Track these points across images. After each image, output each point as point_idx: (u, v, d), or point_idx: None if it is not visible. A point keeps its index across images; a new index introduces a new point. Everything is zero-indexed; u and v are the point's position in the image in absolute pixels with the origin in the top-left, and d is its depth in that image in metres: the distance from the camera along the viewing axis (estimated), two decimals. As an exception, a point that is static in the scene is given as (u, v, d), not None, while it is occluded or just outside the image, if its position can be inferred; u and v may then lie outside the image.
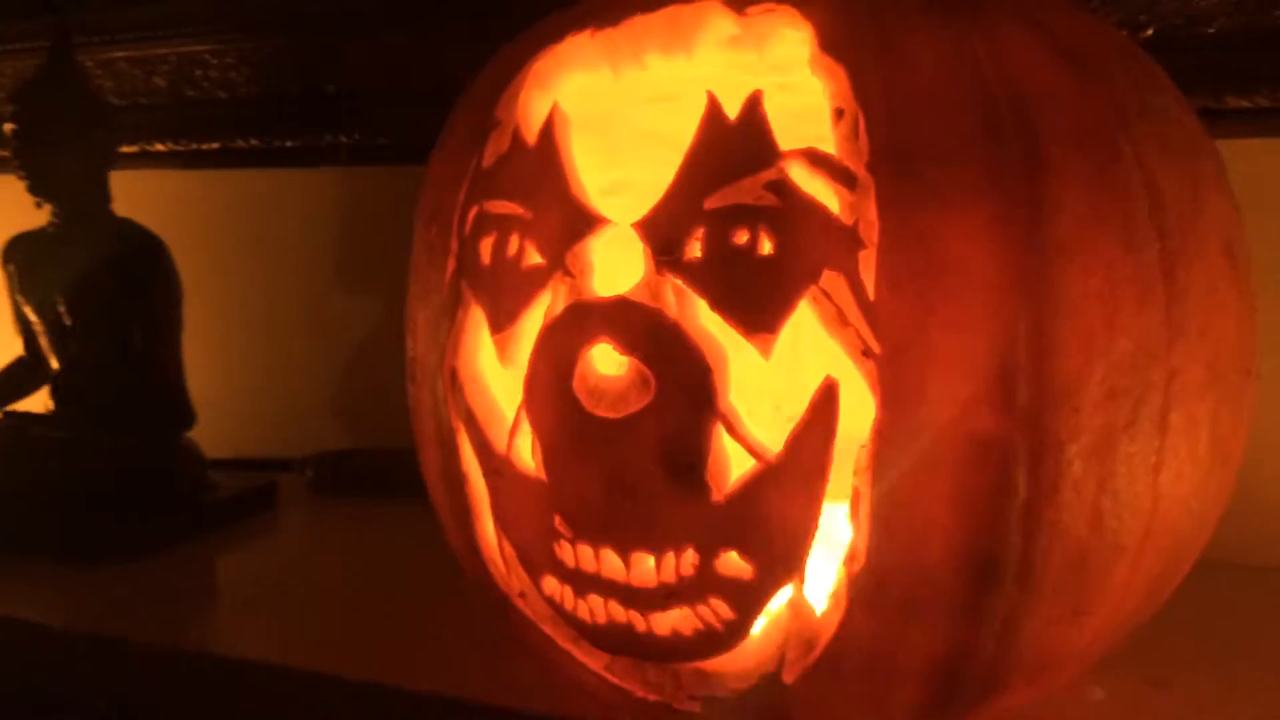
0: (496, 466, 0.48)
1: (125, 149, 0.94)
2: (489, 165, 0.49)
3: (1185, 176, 0.46)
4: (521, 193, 0.47)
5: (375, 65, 0.92)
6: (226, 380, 1.00)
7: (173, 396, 0.92)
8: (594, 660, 0.49)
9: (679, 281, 0.43)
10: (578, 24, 0.50)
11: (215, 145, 0.99)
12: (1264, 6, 0.66)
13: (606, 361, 0.44)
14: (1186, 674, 0.58)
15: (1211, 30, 0.67)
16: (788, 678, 0.45)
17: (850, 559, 0.43)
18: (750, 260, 0.42)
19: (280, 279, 1.03)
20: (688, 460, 0.43)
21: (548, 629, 0.50)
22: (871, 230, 0.41)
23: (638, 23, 0.48)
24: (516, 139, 0.48)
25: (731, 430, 0.43)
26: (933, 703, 0.47)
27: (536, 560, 0.48)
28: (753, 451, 0.43)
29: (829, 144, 0.43)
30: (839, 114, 0.43)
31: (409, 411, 0.57)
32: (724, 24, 0.47)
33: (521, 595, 0.50)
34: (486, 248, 0.48)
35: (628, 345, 0.43)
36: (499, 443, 0.48)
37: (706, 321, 0.43)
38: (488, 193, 0.48)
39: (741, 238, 0.42)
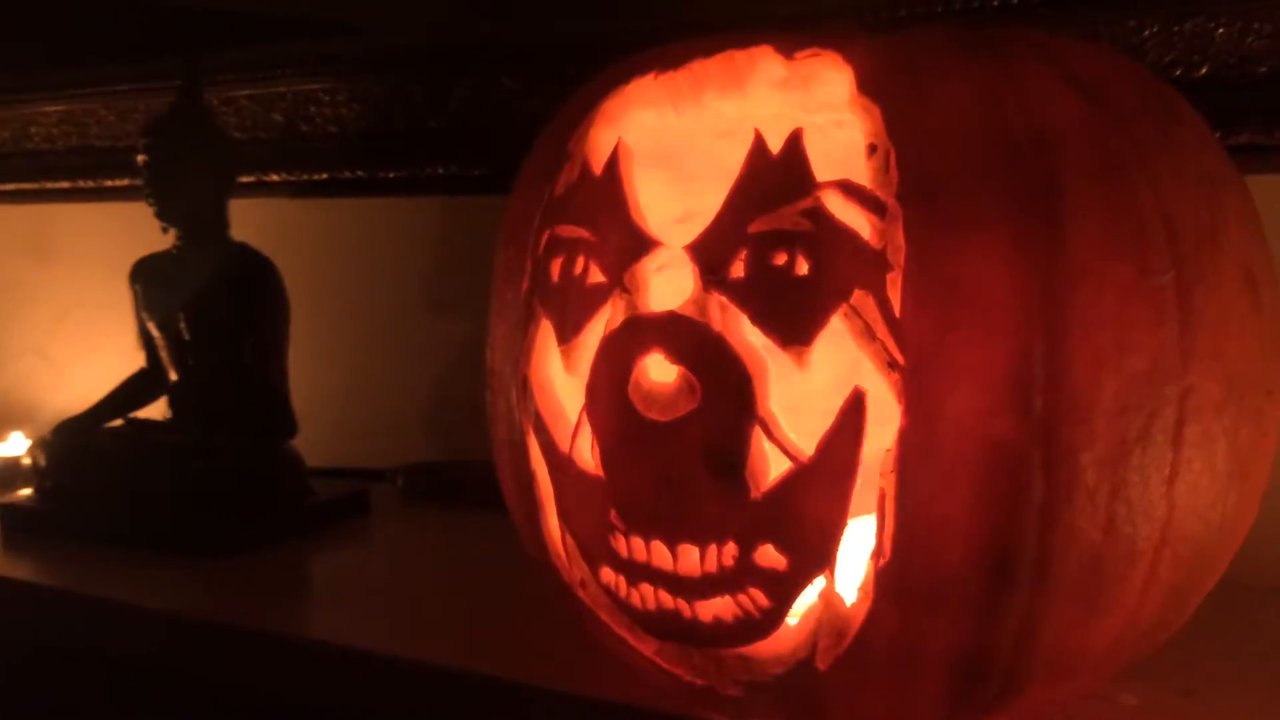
0: (560, 464, 0.53)
1: (243, 179, 1.02)
2: (560, 193, 0.54)
3: (1204, 205, 0.49)
4: (588, 218, 0.52)
5: (476, 103, 0.99)
6: (325, 394, 1.07)
7: (278, 407, 0.99)
8: (645, 646, 0.54)
9: (724, 298, 0.48)
10: (643, 68, 0.55)
11: (324, 176, 1.07)
12: (1311, 48, 0.69)
13: (659, 370, 0.49)
14: (1212, 686, 0.60)
15: (1263, 70, 0.70)
16: (821, 664, 0.49)
17: (877, 554, 0.47)
18: (788, 280, 0.47)
19: (377, 300, 1.10)
20: (729, 460, 0.48)
21: (605, 616, 0.55)
22: (899, 254, 0.46)
23: (698, 66, 0.53)
24: (585, 170, 0.53)
25: (769, 433, 0.47)
26: (956, 696, 0.50)
27: (594, 551, 0.53)
28: (788, 453, 0.47)
29: (861, 176, 0.47)
30: (871, 149, 0.47)
31: (488, 420, 0.62)
32: (774, 68, 0.51)
33: (582, 584, 0.55)
34: (556, 267, 0.53)
35: (677, 355, 0.48)
36: (563, 443, 0.53)
37: (748, 334, 0.48)
38: (558, 218, 0.54)
39: (780, 259, 0.47)
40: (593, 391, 0.51)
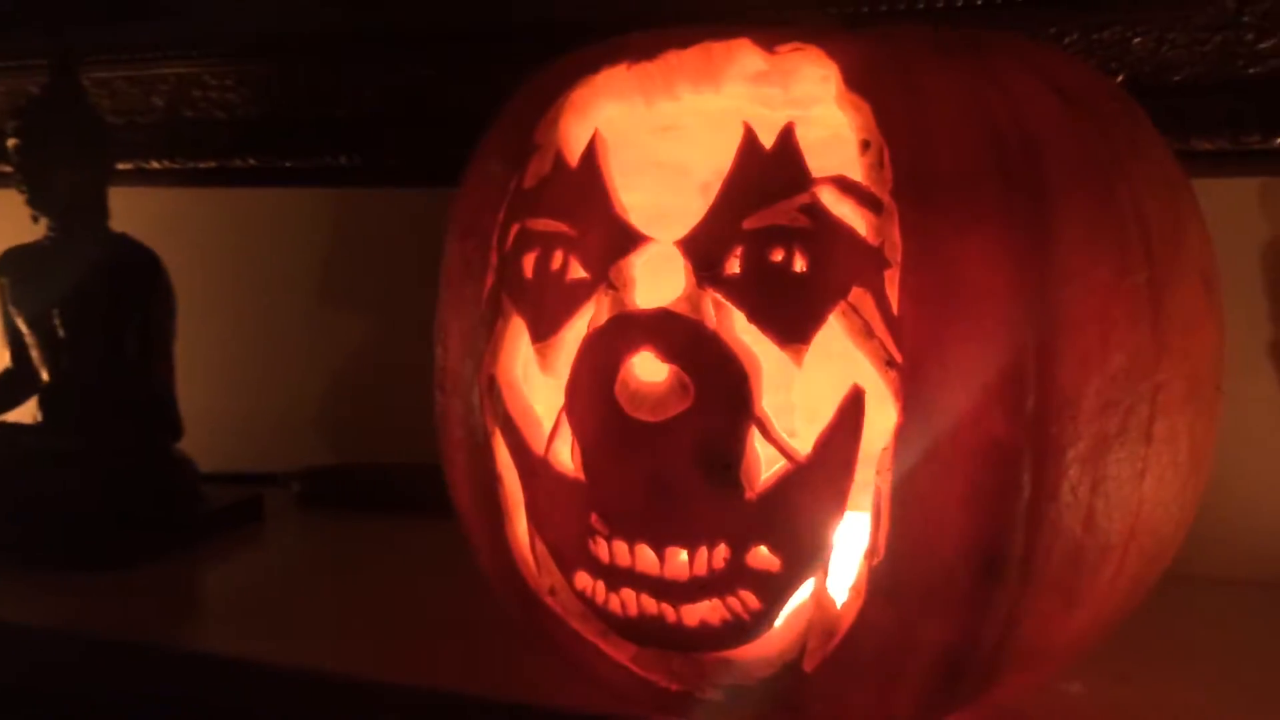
0: (534, 468, 0.51)
1: (121, 166, 0.96)
2: (531, 186, 0.52)
3: (1169, 209, 0.51)
4: (565, 212, 0.50)
5: (387, 92, 0.95)
6: (211, 395, 1.01)
7: (163, 409, 0.93)
8: (620, 653, 0.52)
9: (719, 295, 0.47)
10: (613, 57, 0.53)
11: (212, 164, 1.01)
12: (1225, 57, 0.72)
13: (647, 369, 0.48)
14: (1147, 671, 0.63)
15: (1178, 78, 0.73)
16: (808, 666, 0.49)
17: (870, 553, 0.47)
18: (786, 277, 0.46)
19: (269, 295, 1.05)
20: (724, 461, 0.47)
21: (575, 624, 0.53)
22: (896, 251, 0.45)
23: (672, 57, 0.52)
24: (559, 162, 0.52)
25: (765, 433, 0.46)
26: (937, 690, 0.51)
27: (570, 557, 0.51)
28: (784, 452, 0.46)
29: (853, 172, 0.47)
30: (865, 145, 0.47)
31: (435, 420, 0.59)
32: (753, 61, 0.51)
33: (551, 592, 0.53)
34: (529, 262, 0.51)
35: (669, 354, 0.47)
36: (537, 445, 0.51)
37: (743, 332, 0.47)
38: (530, 211, 0.52)
39: (778, 256, 0.46)
40: (574, 391, 0.49)
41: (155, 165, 1.03)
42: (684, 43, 0.52)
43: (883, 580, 0.47)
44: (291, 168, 0.99)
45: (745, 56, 0.51)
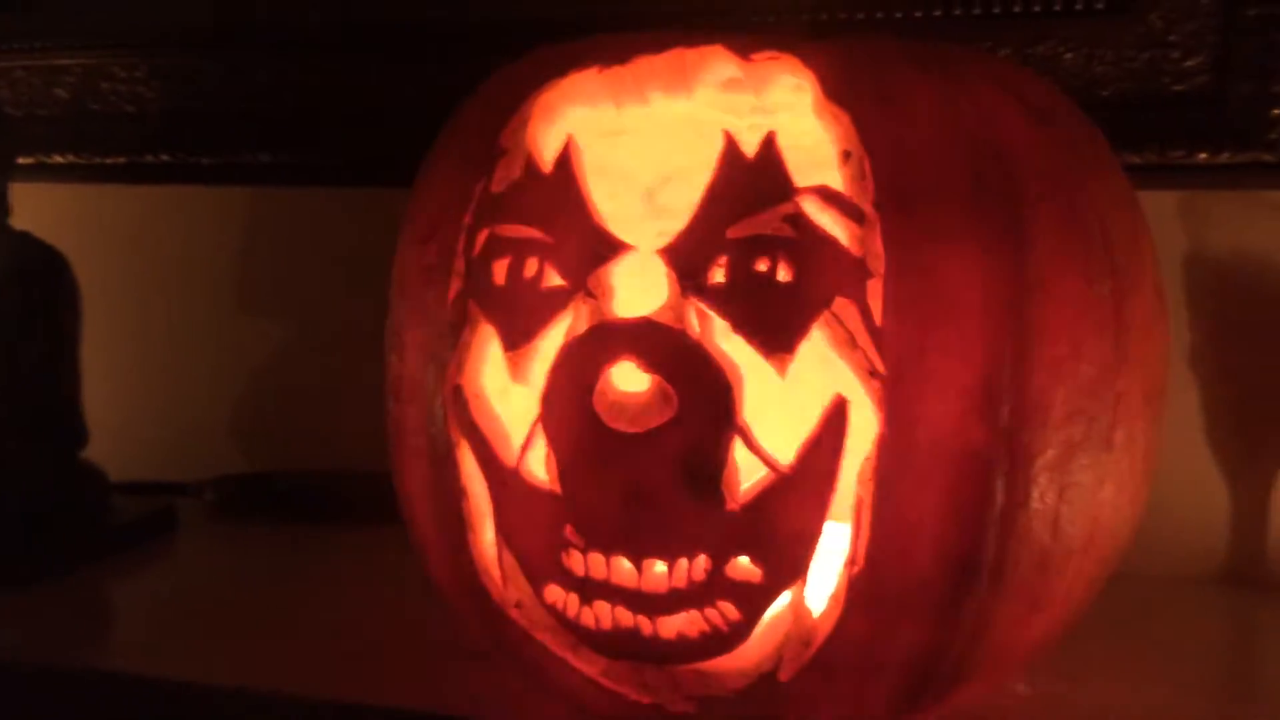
0: (504, 480, 0.50)
1: (22, 160, 0.91)
2: (500, 191, 0.51)
3: (1127, 222, 0.52)
4: (539, 218, 0.49)
5: (301, 85, 0.92)
6: (119, 401, 0.97)
7: (67, 415, 0.89)
8: (590, 666, 0.51)
9: (702, 305, 0.46)
10: (581, 60, 0.52)
11: (121, 159, 0.96)
12: (1152, 75, 0.74)
13: (627, 379, 0.47)
14: (1094, 672, 0.64)
15: (1107, 93, 0.75)
16: (783, 676, 0.49)
17: (850, 562, 0.47)
18: (770, 286, 0.46)
19: (180, 297, 1.01)
20: (707, 472, 0.46)
21: (542, 637, 0.52)
22: (878, 262, 0.46)
23: (644, 62, 0.51)
24: (530, 167, 0.50)
25: (748, 443, 0.46)
26: (907, 695, 0.51)
27: (541, 569, 0.50)
28: (767, 463, 0.46)
29: (831, 182, 0.47)
30: (846, 155, 0.47)
31: (387, 428, 0.58)
32: (727, 68, 0.50)
33: (518, 605, 0.52)
34: (500, 269, 0.50)
35: (651, 364, 0.46)
36: (508, 457, 0.50)
37: (726, 342, 0.46)
38: (500, 217, 0.50)
39: (762, 265, 0.46)
40: (550, 401, 0.48)
41: (59, 160, 0.98)
42: (657, 48, 0.51)
43: (861, 589, 0.47)
44: (208, 164, 0.95)
45: (719, 63, 0.51)
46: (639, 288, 0.48)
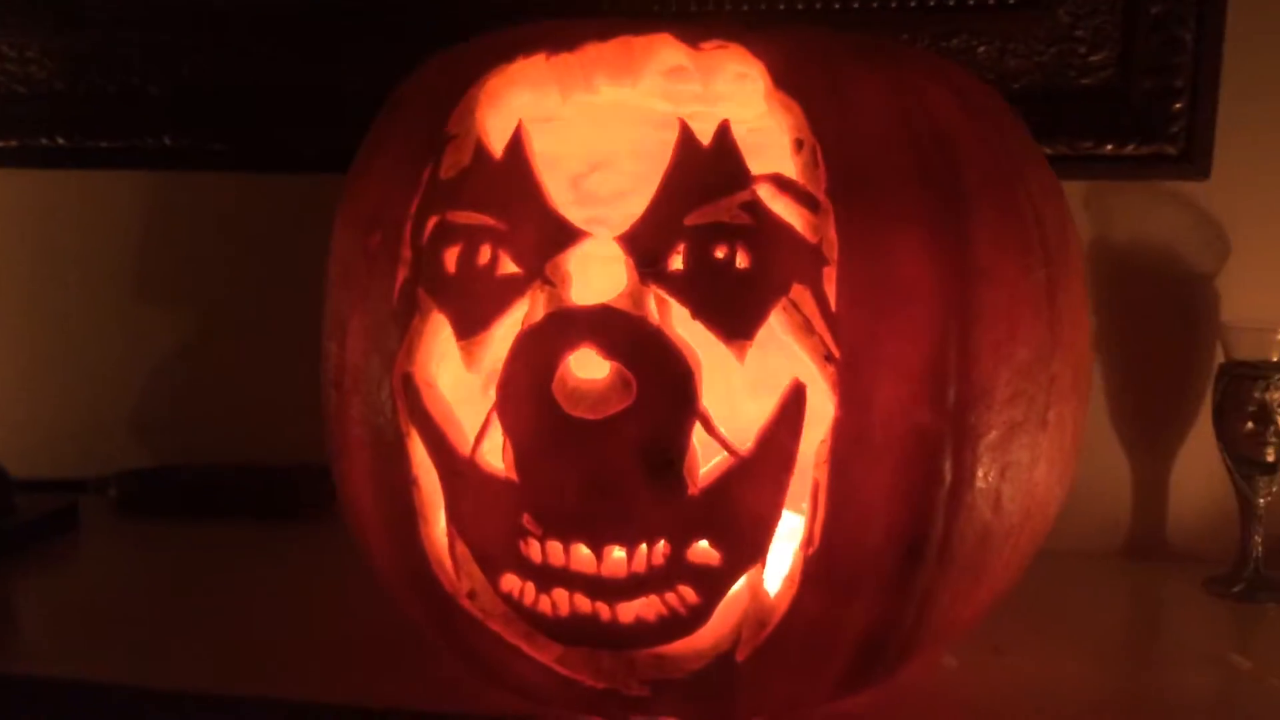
0: (457, 469, 0.50)
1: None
2: (450, 177, 0.50)
3: (1056, 212, 0.54)
4: (490, 205, 0.49)
5: (210, 69, 0.89)
6: (18, 395, 0.93)
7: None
8: (544, 654, 0.51)
9: (661, 291, 0.47)
10: (528, 47, 0.52)
11: (13, 143, 0.92)
12: (1059, 68, 0.77)
13: (586, 366, 0.47)
14: (1017, 644, 0.67)
15: (1018, 85, 0.78)
16: (740, 656, 0.49)
17: (806, 543, 0.48)
18: (729, 273, 0.46)
19: (77, 286, 0.97)
20: (667, 458, 0.47)
21: (495, 626, 0.52)
22: (832, 249, 0.47)
23: (591, 50, 0.51)
24: (480, 153, 0.50)
25: (709, 428, 0.47)
26: (857, 670, 0.52)
27: (496, 558, 0.50)
28: (727, 447, 0.47)
29: (782, 170, 0.48)
30: (799, 144, 0.48)
31: (326, 418, 0.56)
32: (674, 56, 0.51)
33: (470, 595, 0.52)
34: (451, 256, 0.49)
35: (611, 350, 0.46)
36: (462, 446, 0.50)
37: (684, 328, 0.47)
38: (450, 203, 0.50)
39: (720, 252, 0.46)
40: (506, 389, 0.48)
41: (-56, 142, 0.93)
42: (603, 35, 0.51)
43: (816, 569, 0.48)
44: (106, 148, 0.91)
45: (666, 51, 0.51)
46: (591, 275, 0.48)
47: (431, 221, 0.50)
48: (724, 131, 0.48)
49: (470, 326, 0.49)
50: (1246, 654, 0.69)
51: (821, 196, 0.47)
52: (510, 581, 0.50)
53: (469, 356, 0.49)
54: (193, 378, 0.98)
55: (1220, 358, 0.78)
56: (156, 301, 0.96)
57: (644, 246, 0.47)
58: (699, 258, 0.46)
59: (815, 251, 0.47)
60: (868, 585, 0.49)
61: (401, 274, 0.51)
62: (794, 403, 0.47)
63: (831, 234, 0.47)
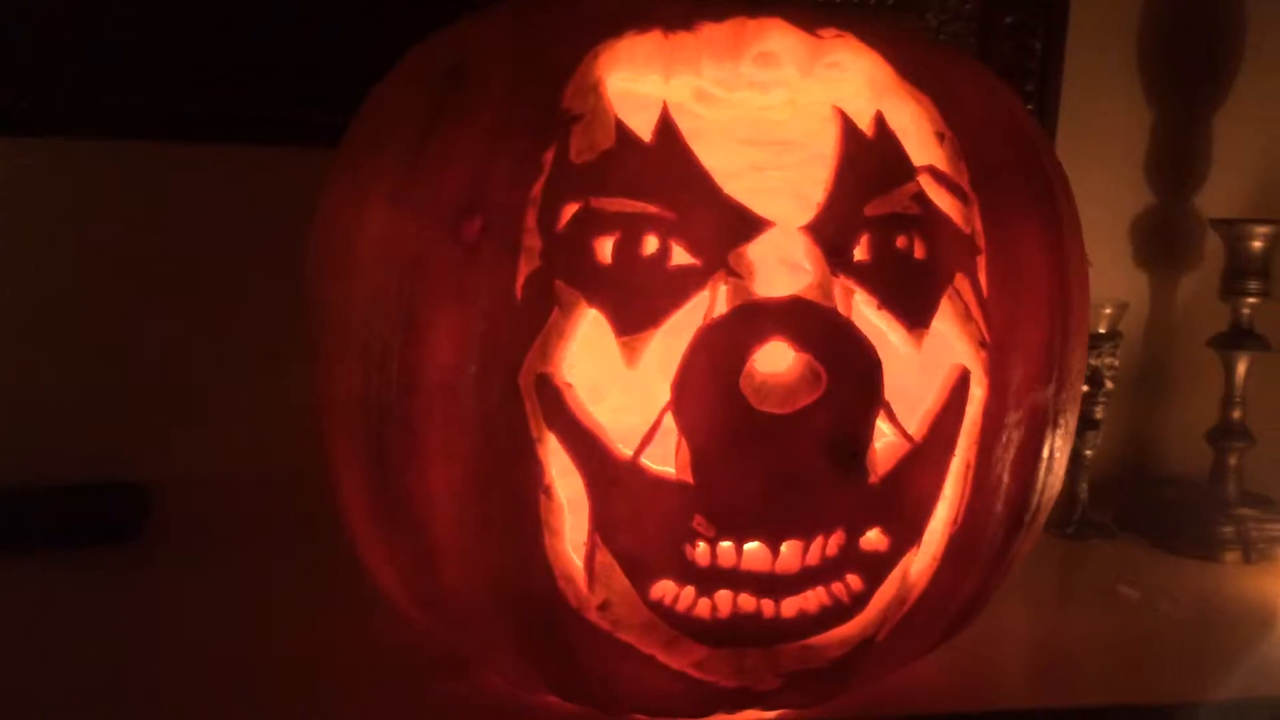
0: (613, 474, 0.46)
1: None
2: (588, 160, 0.46)
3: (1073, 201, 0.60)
4: (652, 192, 0.46)
5: (51, 13, 0.73)
6: None
7: None
8: (682, 660, 0.49)
9: (850, 282, 0.46)
10: (640, 22, 0.49)
11: None
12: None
13: (772, 359, 0.45)
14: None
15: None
16: (881, 637, 0.51)
17: (951, 521, 0.50)
18: (909, 263, 0.47)
19: None
20: (852, 449, 0.46)
21: (628, 637, 0.48)
22: (981, 239, 0.49)
23: (705, 30, 0.49)
24: (624, 136, 0.46)
25: (890, 417, 0.47)
26: (948, 633, 0.55)
27: (651, 564, 0.47)
28: (905, 435, 0.48)
29: (937, 163, 0.49)
30: (940, 137, 0.49)
31: (393, 426, 0.50)
32: (788, 41, 0.50)
33: (601, 607, 0.48)
34: (604, 247, 0.45)
35: (804, 343, 0.45)
36: (621, 449, 0.46)
37: (870, 318, 0.47)
38: (594, 189, 0.46)
39: (901, 243, 0.47)
40: (684, 387, 0.45)
41: None
42: (718, 16, 0.50)
43: (956, 546, 0.50)
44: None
45: (776, 35, 0.50)
46: (778, 266, 0.46)
47: (570, 208, 0.46)
48: (881, 122, 0.48)
49: (636, 322, 0.45)
50: (1081, 581, 0.79)
51: (967, 188, 0.49)
52: (664, 588, 0.47)
53: (631, 353, 0.46)
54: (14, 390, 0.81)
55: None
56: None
57: (830, 237, 0.46)
58: (882, 248, 0.47)
59: (970, 241, 0.48)
60: (984, 555, 0.52)
61: (525, 265, 0.46)
62: (960, 388, 0.49)
63: (979, 224, 0.49)
